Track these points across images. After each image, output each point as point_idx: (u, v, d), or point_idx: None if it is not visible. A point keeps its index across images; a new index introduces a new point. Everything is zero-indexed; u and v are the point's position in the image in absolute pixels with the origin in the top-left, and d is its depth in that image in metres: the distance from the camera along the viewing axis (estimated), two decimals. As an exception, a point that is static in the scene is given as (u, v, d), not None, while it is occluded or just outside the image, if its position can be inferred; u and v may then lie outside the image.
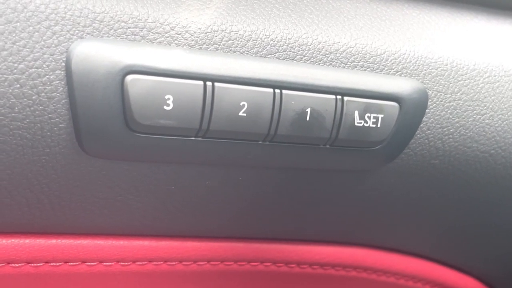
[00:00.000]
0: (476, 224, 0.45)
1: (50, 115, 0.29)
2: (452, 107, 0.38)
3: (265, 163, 0.35)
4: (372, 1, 0.38)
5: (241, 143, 0.32)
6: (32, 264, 0.35)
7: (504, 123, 0.40)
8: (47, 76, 0.28)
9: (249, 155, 0.33)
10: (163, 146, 0.31)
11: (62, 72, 0.28)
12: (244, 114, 0.31)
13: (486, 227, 0.46)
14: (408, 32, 0.38)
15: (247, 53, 0.32)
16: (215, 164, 0.34)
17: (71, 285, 0.38)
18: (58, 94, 0.29)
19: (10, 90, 0.28)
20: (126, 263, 0.38)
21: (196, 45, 0.31)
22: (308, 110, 0.32)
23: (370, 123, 0.34)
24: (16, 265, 0.35)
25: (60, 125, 0.29)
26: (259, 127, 0.32)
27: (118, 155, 0.31)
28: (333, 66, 0.34)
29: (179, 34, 0.31)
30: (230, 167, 0.35)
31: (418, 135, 0.37)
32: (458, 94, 0.38)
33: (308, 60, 0.34)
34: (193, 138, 0.31)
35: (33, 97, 0.28)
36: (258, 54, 0.33)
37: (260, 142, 0.33)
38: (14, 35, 0.27)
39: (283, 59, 0.33)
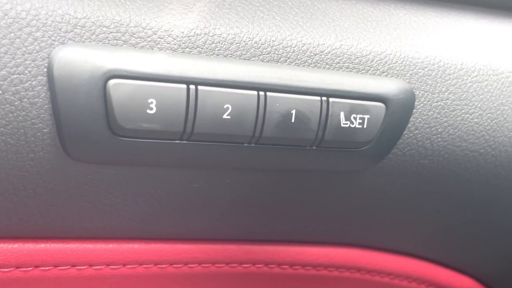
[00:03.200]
0: (468, 223, 0.45)
1: (33, 120, 0.29)
2: (440, 107, 0.38)
3: (251, 165, 0.35)
4: (358, 2, 0.38)
5: (227, 146, 0.33)
6: (22, 269, 0.36)
7: (493, 122, 0.39)
8: (29, 82, 0.28)
9: (235, 158, 0.33)
10: (148, 149, 0.31)
11: (44, 78, 0.29)
12: (229, 117, 0.31)
13: (478, 226, 0.46)
14: (394, 33, 0.38)
15: (230, 56, 0.32)
16: (201, 166, 0.34)
17: (62, 289, 0.38)
18: (40, 100, 0.29)
19: None
20: (116, 267, 0.38)
21: (179, 49, 0.31)
22: (293, 112, 0.32)
23: (356, 124, 0.34)
24: (5, 270, 0.35)
25: (44, 130, 0.30)
26: (244, 130, 0.32)
27: (102, 159, 0.31)
28: (318, 68, 0.34)
29: (161, 38, 0.31)
30: (216, 169, 0.35)
31: (406, 135, 0.37)
32: (446, 93, 0.38)
33: (292, 62, 0.34)
34: (177, 141, 0.31)
35: (16, 103, 0.28)
36: (242, 57, 0.33)
37: (245, 145, 0.33)
38: None
39: (267, 62, 0.33)
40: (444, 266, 0.50)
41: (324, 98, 0.33)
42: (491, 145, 0.40)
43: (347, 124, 0.34)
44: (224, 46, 0.32)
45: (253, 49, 0.33)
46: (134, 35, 0.30)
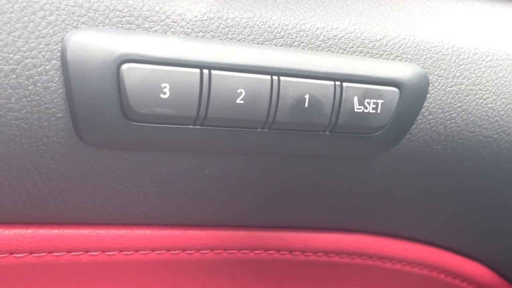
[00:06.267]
0: (481, 210, 0.45)
1: (46, 105, 0.29)
2: (453, 92, 0.37)
3: (264, 151, 0.34)
4: None
5: (240, 131, 0.32)
6: (35, 254, 0.36)
7: (507, 107, 0.39)
8: (43, 66, 0.28)
9: (248, 143, 0.33)
10: (161, 134, 0.31)
11: (58, 62, 0.28)
12: (242, 102, 0.31)
13: (490, 213, 0.45)
14: (408, 17, 0.37)
15: (244, 40, 0.32)
16: (214, 152, 0.34)
17: (75, 275, 0.38)
18: (54, 84, 0.29)
19: (6, 81, 0.28)
20: (129, 252, 0.38)
21: (192, 33, 0.31)
22: (307, 96, 0.32)
23: (370, 109, 0.34)
24: (19, 255, 0.35)
25: (57, 115, 0.30)
26: (257, 114, 0.32)
27: (115, 144, 0.31)
28: (331, 52, 0.34)
29: (175, 22, 0.31)
30: (229, 155, 0.35)
31: (420, 121, 0.37)
32: (460, 78, 0.37)
33: (306, 47, 0.34)
34: (191, 126, 0.31)
35: (29, 88, 0.28)
36: (255, 41, 0.32)
37: (258, 130, 0.33)
38: (9, 25, 0.27)
39: (281, 46, 0.33)
40: (456, 253, 0.49)
41: (337, 83, 0.33)
42: (505, 131, 0.40)
43: (360, 109, 0.34)
44: (238, 30, 0.32)
45: (266, 33, 0.33)
46: (147, 19, 0.30)
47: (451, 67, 0.37)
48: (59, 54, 0.28)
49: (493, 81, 0.38)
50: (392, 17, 0.37)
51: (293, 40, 0.33)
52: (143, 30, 0.30)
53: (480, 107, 0.38)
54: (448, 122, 0.38)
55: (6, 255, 0.35)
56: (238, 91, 0.31)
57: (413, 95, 0.35)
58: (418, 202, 0.43)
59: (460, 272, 0.50)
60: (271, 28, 0.33)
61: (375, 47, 0.35)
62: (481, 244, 0.49)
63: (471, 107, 0.38)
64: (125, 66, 0.28)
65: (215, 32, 0.31)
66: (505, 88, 0.39)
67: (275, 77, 0.32)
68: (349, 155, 0.37)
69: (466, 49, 0.38)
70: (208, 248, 0.41)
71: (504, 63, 0.39)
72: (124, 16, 0.30)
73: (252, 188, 0.37)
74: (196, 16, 0.31)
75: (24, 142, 0.30)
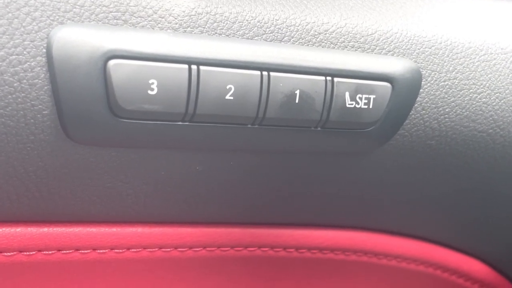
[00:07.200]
0: (476, 206, 0.45)
1: (32, 102, 0.29)
2: (447, 86, 0.37)
3: (255, 147, 0.34)
4: None
5: (230, 127, 0.32)
6: (25, 253, 0.35)
7: (502, 101, 0.39)
8: (28, 63, 0.28)
9: (238, 139, 0.33)
10: (149, 131, 0.31)
11: (43, 59, 0.28)
12: (231, 98, 0.31)
13: (487, 209, 0.45)
14: (400, 11, 0.37)
15: (233, 36, 0.32)
16: (204, 148, 0.34)
17: (66, 273, 0.38)
18: (40, 81, 0.28)
19: None
20: (120, 251, 0.38)
21: (180, 28, 0.31)
22: (297, 92, 0.32)
23: (361, 104, 0.34)
24: (8, 254, 0.35)
25: (44, 112, 0.29)
26: (247, 111, 0.31)
27: (103, 142, 0.31)
28: (322, 47, 0.34)
29: (162, 18, 0.30)
30: (220, 151, 0.34)
31: (413, 116, 0.37)
32: (453, 73, 0.37)
33: (296, 42, 0.33)
34: (179, 123, 0.31)
35: (15, 84, 0.28)
36: (245, 36, 0.32)
37: (249, 126, 0.32)
38: None
39: (271, 41, 0.33)
40: (453, 249, 0.49)
41: (328, 78, 0.33)
42: (499, 125, 0.39)
43: (352, 104, 0.33)
44: (226, 25, 0.32)
45: (256, 28, 0.32)
46: (134, 15, 0.30)
47: (445, 62, 0.37)
48: (44, 50, 0.28)
49: (487, 76, 0.38)
50: (384, 11, 0.36)
51: (283, 35, 0.33)
52: (130, 26, 0.30)
53: (474, 102, 0.38)
54: (442, 117, 0.37)
55: (-5, 254, 0.35)
56: (227, 87, 0.30)
57: (405, 90, 0.35)
58: (412, 198, 0.43)
59: (457, 269, 0.50)
60: (261, 23, 0.32)
61: (366, 42, 0.35)
62: (478, 240, 0.49)
63: (465, 101, 0.38)
64: (112, 62, 0.28)
65: (204, 27, 0.31)
66: (499, 82, 0.38)
67: (265, 73, 0.31)
68: (341, 151, 0.37)
69: (459, 43, 0.37)
70: (200, 246, 0.40)
71: (498, 57, 0.38)
72: (111, 12, 0.29)
73: (244, 185, 0.37)
74: (184, 11, 0.31)
75: (11, 139, 0.30)
